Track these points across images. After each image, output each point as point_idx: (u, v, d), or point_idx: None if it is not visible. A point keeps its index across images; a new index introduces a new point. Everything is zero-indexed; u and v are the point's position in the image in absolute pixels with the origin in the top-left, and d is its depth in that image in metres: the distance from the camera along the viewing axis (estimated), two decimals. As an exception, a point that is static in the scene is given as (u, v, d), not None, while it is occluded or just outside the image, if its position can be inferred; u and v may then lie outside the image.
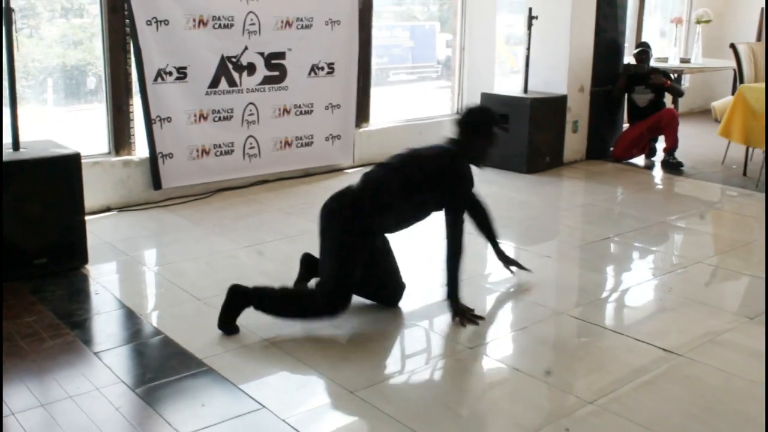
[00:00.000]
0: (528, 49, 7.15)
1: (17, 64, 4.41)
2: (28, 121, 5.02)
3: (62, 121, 5.80)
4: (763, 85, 6.87)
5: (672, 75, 8.09)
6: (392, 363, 3.53)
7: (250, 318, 3.71)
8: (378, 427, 2.96)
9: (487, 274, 4.56)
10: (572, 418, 2.98)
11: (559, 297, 4.30)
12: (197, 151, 5.94)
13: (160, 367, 3.36)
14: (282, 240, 5.06)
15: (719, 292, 4.53)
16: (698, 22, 8.85)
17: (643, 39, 9.52)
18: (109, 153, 5.75)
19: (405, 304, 4.02)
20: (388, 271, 3.93)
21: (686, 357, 3.46)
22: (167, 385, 3.18)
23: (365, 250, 3.68)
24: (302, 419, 2.95)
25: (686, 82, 10.41)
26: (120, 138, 5.75)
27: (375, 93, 7.29)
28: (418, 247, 4.88)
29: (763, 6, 10.16)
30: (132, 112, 5.76)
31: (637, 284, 4.52)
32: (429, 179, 3.72)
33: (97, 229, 5.11)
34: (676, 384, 3.26)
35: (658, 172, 7.38)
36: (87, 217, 4.58)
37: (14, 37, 4.31)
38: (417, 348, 3.65)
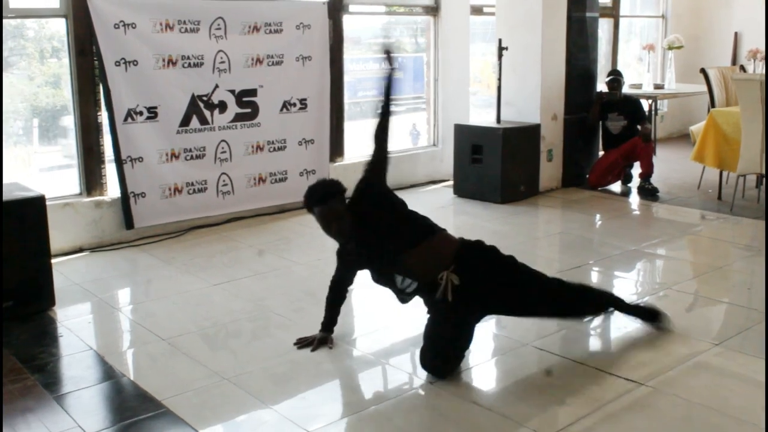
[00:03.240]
0: (499, 79, 7.19)
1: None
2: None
3: (32, 162, 5.82)
4: (733, 109, 6.91)
5: (647, 101, 8.17)
6: (350, 400, 3.50)
7: (209, 358, 3.69)
8: (333, 465, 2.94)
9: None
10: (528, 451, 2.96)
11: (526, 328, 4.27)
12: (170, 189, 5.95)
13: (119, 409, 3.35)
14: (253, 277, 5.05)
15: (688, 318, 4.49)
16: (670, 48, 8.93)
17: (619, 66, 9.61)
18: (81, 194, 5.76)
19: (364, 340, 4.03)
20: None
21: (649, 386, 3.45)
22: (124, 429, 3.15)
23: None
24: (257, 460, 2.92)
25: (664, 107, 10.48)
26: (91, 179, 5.76)
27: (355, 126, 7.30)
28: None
29: (737, 30, 10.27)
30: (103, 152, 5.78)
31: (607, 313, 4.49)
32: None
33: (68, 271, 5.10)
34: (637, 415, 3.24)
35: (634, 199, 7.40)
36: (58, 259, 4.58)
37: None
38: (376, 384, 3.64)
